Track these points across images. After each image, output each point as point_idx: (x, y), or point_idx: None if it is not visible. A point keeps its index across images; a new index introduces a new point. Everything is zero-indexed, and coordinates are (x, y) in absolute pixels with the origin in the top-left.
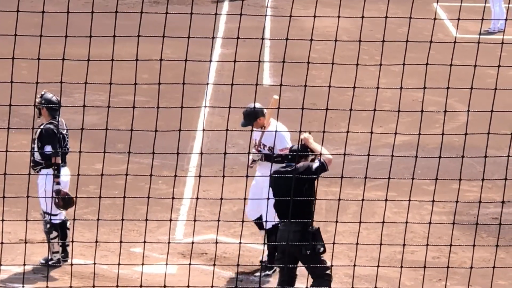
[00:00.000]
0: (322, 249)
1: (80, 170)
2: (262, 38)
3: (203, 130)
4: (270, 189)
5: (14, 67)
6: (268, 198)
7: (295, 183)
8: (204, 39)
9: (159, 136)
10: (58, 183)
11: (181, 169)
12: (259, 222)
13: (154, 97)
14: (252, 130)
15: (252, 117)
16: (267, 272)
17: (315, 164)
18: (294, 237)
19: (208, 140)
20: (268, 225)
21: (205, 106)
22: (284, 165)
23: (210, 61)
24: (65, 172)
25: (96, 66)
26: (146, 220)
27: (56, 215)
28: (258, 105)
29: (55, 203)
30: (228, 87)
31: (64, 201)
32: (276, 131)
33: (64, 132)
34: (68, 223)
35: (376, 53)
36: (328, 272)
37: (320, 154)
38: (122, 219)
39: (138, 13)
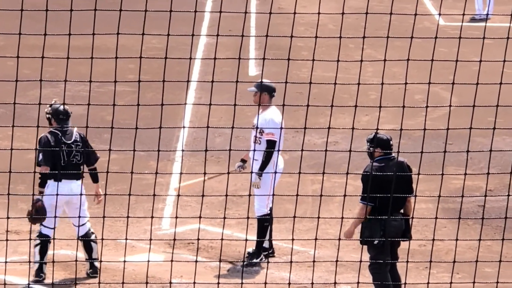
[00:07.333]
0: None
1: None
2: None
3: (183, 127)
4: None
5: None
6: (273, 192)
7: (410, 177)
8: (190, 29)
9: (146, 126)
10: (41, 193)
11: (167, 159)
12: (266, 218)
13: (140, 87)
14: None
15: (259, 87)
16: (254, 260)
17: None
18: (402, 225)
19: (194, 130)
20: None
21: (185, 104)
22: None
23: (190, 58)
24: (65, 186)
25: (82, 56)
26: (128, 217)
27: (83, 224)
28: (268, 83)
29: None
30: (214, 76)
31: (37, 212)
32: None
33: (70, 142)
34: (94, 236)
35: (362, 41)
36: None
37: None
38: (104, 217)
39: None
